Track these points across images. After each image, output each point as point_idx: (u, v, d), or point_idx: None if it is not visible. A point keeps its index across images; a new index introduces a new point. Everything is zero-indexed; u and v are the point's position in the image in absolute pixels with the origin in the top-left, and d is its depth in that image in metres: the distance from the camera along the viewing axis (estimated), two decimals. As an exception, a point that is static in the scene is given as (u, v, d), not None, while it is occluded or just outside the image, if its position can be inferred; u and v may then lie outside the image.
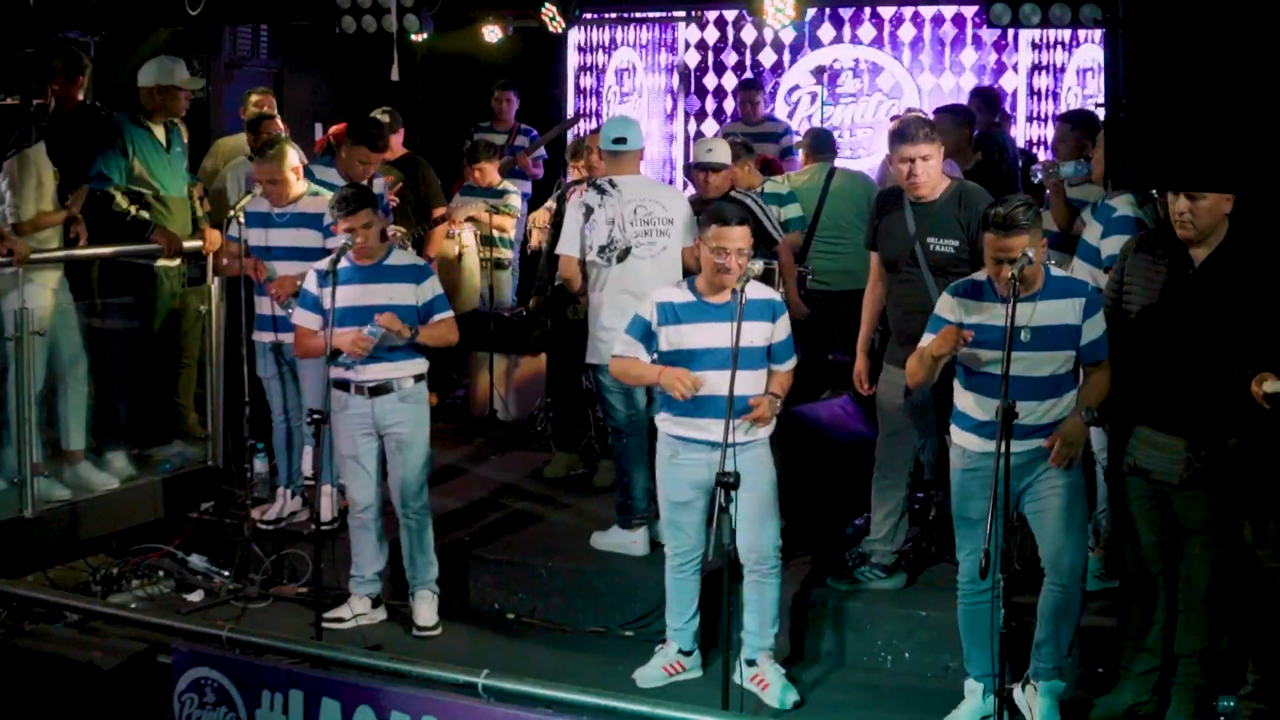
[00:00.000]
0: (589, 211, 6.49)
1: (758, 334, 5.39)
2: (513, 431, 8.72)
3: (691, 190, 7.49)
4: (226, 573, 6.78)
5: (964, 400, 5.07)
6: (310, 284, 6.08)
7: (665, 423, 5.51)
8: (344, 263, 5.98)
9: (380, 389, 6.09)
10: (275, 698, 4.98)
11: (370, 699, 4.84)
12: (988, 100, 9.20)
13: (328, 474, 6.45)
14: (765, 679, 5.48)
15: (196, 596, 6.63)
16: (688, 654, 5.70)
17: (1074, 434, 4.90)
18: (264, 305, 6.84)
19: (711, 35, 11.04)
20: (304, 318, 6.13)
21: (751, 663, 5.51)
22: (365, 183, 7.07)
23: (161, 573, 6.76)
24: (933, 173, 5.66)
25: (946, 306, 5.04)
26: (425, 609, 6.21)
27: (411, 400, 6.16)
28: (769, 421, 5.39)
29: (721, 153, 7.00)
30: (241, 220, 6.77)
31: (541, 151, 10.28)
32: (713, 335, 5.35)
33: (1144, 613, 5.07)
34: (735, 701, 4.99)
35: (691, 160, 7.25)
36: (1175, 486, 4.85)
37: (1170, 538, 4.94)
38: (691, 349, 5.39)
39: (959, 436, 5.10)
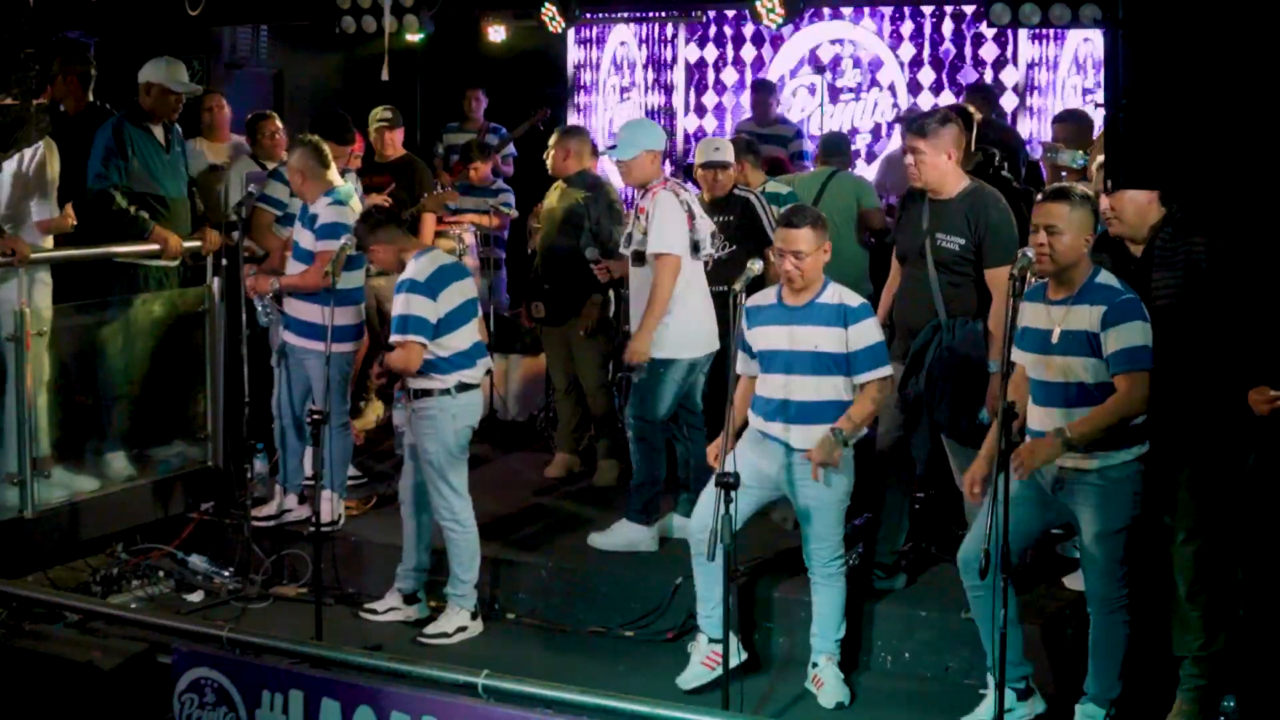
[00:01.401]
0: (691, 213, 6.35)
1: (825, 339, 5.31)
2: (513, 431, 8.71)
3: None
4: (226, 573, 6.77)
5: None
6: None
7: (753, 419, 5.51)
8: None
9: (406, 394, 6.17)
10: (275, 698, 4.99)
11: (370, 699, 4.84)
12: (985, 96, 9.22)
13: (328, 476, 6.45)
14: (822, 679, 5.47)
15: (196, 596, 6.63)
16: (720, 641, 5.61)
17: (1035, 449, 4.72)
18: (310, 312, 6.74)
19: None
20: None
21: (815, 664, 5.51)
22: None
23: (161, 573, 6.75)
24: (927, 168, 5.61)
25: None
26: (441, 618, 6.18)
27: (420, 415, 6.11)
28: (834, 461, 5.26)
29: (727, 151, 7.04)
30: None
31: (511, 149, 10.28)
32: (778, 338, 5.35)
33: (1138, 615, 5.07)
34: (735, 702, 4.99)
35: (697, 160, 7.22)
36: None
37: (1157, 536, 4.94)
38: (761, 350, 5.40)
39: None
